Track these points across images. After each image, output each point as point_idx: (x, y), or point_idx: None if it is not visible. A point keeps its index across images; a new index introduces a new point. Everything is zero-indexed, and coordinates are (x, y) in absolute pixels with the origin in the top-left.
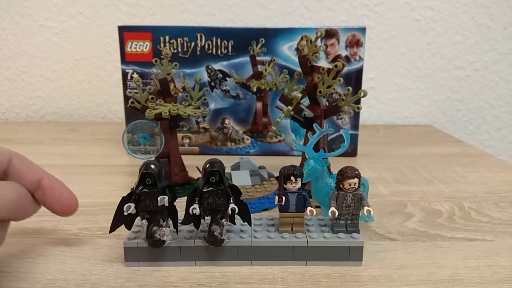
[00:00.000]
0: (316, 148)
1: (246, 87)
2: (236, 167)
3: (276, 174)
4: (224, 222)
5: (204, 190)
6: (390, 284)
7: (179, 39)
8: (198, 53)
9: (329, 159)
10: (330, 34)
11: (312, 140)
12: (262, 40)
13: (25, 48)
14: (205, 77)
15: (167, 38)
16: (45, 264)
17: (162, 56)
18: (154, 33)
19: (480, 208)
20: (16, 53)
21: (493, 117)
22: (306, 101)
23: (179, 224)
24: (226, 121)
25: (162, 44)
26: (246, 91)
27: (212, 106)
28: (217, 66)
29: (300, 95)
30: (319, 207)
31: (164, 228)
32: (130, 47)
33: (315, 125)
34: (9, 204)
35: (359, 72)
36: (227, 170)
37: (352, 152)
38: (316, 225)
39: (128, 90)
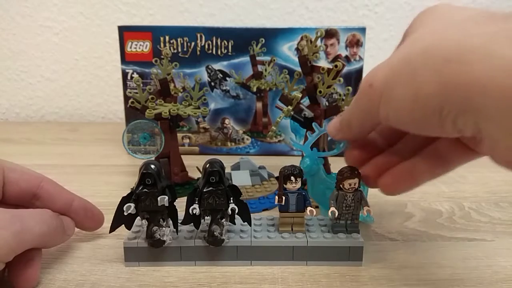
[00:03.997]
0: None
1: (246, 87)
2: (236, 167)
3: (276, 174)
4: (224, 222)
5: (204, 190)
6: (390, 284)
7: (179, 39)
8: (198, 53)
9: (329, 159)
10: (330, 34)
11: (311, 139)
12: (262, 40)
13: (25, 48)
14: (205, 77)
15: (167, 38)
16: (45, 264)
17: (162, 56)
18: (154, 33)
19: (480, 208)
20: (16, 53)
21: None
22: (306, 101)
23: (179, 224)
24: (226, 121)
25: (162, 44)
26: (246, 91)
27: (212, 106)
28: (217, 66)
29: (300, 95)
30: (318, 207)
31: (164, 228)
32: (130, 47)
33: (314, 124)
34: (37, 238)
35: (359, 72)
36: (227, 170)
37: None
38: (316, 225)
39: (128, 90)
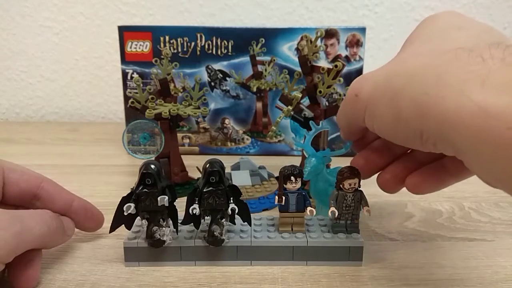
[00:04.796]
0: (316, 148)
1: (246, 87)
2: (236, 167)
3: (276, 174)
4: (224, 222)
5: (204, 190)
6: (390, 284)
7: (179, 39)
8: (198, 53)
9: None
10: (330, 34)
11: (309, 137)
12: (262, 40)
13: (25, 48)
14: (205, 77)
15: (167, 38)
16: (45, 264)
17: (162, 56)
18: (154, 33)
19: (480, 208)
20: (16, 53)
21: None
22: (306, 101)
23: (179, 224)
24: (226, 121)
25: (162, 44)
26: (246, 91)
27: (212, 106)
28: (217, 66)
29: (300, 95)
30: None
31: (164, 228)
32: (130, 47)
33: (311, 123)
34: (37, 239)
35: (359, 72)
36: (227, 170)
37: (352, 152)
38: (316, 225)
39: (128, 90)
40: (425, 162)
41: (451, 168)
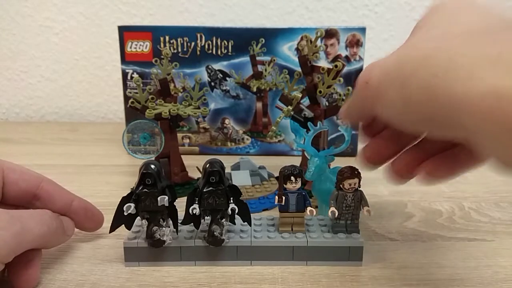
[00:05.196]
0: (316, 148)
1: (246, 87)
2: (236, 167)
3: (276, 174)
4: (224, 222)
5: (204, 190)
6: (390, 284)
7: (179, 39)
8: (198, 53)
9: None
10: (330, 34)
11: (308, 138)
12: (262, 40)
13: (25, 48)
14: (205, 77)
15: (167, 38)
16: (45, 264)
17: (162, 56)
18: (154, 33)
19: (480, 208)
20: (16, 53)
21: None
22: (306, 101)
23: (179, 224)
24: (226, 121)
25: (162, 44)
26: (246, 91)
27: (212, 106)
28: (217, 66)
29: (300, 95)
30: (318, 207)
31: (164, 228)
32: (130, 47)
33: (309, 124)
34: (36, 239)
35: (359, 72)
36: (227, 170)
37: (352, 152)
38: (316, 225)
39: (128, 90)
40: (434, 152)
41: (462, 157)
